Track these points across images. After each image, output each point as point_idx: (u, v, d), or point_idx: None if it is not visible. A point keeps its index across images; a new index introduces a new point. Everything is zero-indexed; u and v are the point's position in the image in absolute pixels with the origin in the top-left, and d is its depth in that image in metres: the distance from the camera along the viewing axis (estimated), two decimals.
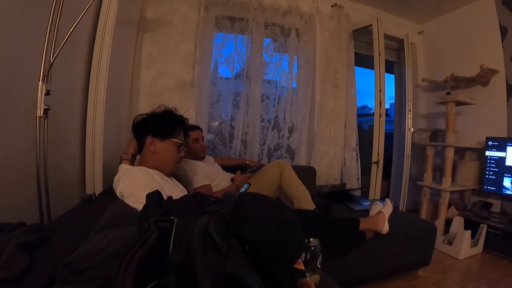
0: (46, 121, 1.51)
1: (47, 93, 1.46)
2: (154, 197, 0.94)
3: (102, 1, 2.07)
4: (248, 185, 1.90)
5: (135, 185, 1.45)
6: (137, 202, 1.28)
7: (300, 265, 0.92)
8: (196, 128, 2.44)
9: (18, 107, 1.48)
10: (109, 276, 0.65)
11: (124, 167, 1.59)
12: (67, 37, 1.48)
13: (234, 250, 0.58)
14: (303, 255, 1.10)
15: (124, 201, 1.41)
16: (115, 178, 1.57)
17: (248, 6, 3.18)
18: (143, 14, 2.93)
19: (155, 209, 0.89)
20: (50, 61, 1.46)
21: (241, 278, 0.46)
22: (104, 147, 2.07)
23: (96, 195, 1.72)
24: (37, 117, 1.45)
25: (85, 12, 1.56)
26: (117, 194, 1.51)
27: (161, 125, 1.64)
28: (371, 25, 3.43)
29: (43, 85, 1.44)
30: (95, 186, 2.04)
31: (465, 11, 3.63)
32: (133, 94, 2.90)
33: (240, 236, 0.63)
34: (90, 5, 1.58)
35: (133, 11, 2.73)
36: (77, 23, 1.52)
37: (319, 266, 1.14)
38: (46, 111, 1.47)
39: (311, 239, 1.15)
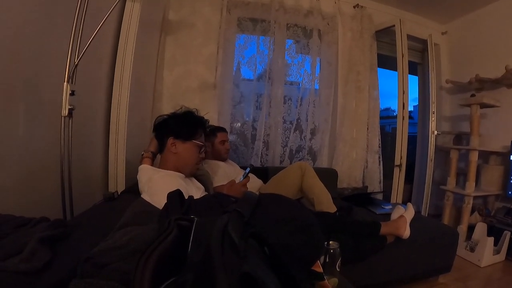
0: (70, 120, 1.54)
1: (72, 93, 1.49)
2: (175, 196, 0.95)
3: (125, 4, 2.11)
4: (249, 168, 1.85)
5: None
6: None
7: (318, 268, 0.91)
8: (224, 130, 2.48)
9: (44, 107, 1.53)
10: (128, 271, 0.66)
11: (145, 168, 1.60)
12: (92, 39, 1.52)
13: (253, 250, 0.57)
14: (322, 258, 1.09)
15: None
16: (139, 178, 1.58)
17: (269, 7, 3.18)
18: (166, 16, 2.97)
19: (175, 208, 0.90)
20: (75, 62, 1.49)
21: (258, 277, 0.46)
22: (127, 147, 2.11)
23: (119, 193, 1.76)
24: (62, 116, 1.48)
25: (109, 14, 1.59)
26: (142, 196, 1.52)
27: (183, 126, 1.64)
28: (393, 25, 3.38)
29: (68, 85, 1.47)
30: (117, 184, 2.08)
31: (490, 10, 3.52)
32: (156, 95, 2.94)
33: (259, 237, 0.62)
34: (114, 7, 1.62)
35: (155, 13, 2.77)
36: (101, 25, 1.56)
37: (338, 270, 1.13)
38: (70, 111, 1.51)
39: (330, 242, 1.14)
